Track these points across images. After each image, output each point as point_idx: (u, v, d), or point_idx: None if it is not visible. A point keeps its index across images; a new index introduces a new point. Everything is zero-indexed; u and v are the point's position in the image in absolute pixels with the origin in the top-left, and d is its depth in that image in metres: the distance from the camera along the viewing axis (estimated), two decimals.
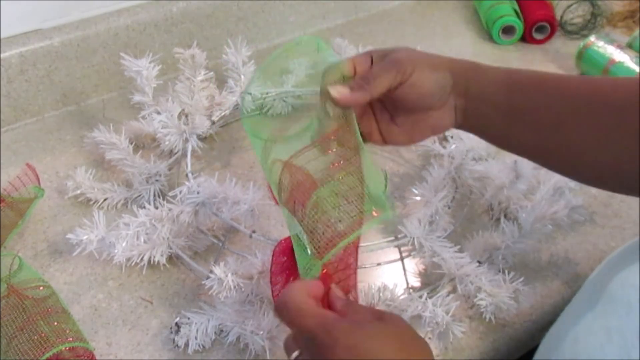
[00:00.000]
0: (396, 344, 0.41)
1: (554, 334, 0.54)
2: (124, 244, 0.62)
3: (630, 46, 0.94)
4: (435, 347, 0.61)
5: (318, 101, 0.56)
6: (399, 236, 0.65)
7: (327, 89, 0.49)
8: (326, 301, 0.47)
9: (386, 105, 0.55)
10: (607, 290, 0.47)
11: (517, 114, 0.50)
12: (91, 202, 0.74)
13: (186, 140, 0.75)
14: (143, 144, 0.82)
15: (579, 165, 0.49)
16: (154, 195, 0.73)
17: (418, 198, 0.69)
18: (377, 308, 0.52)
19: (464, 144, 0.74)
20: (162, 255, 0.65)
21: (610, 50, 0.91)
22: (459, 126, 0.54)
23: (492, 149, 0.81)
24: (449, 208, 0.68)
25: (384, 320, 0.43)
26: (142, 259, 0.65)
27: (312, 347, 0.42)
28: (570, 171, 0.52)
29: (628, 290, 0.44)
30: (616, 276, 0.47)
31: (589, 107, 0.48)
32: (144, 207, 0.65)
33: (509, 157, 0.75)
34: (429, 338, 0.61)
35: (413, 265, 0.68)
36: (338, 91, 0.49)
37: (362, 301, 0.61)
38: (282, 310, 0.43)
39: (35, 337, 0.54)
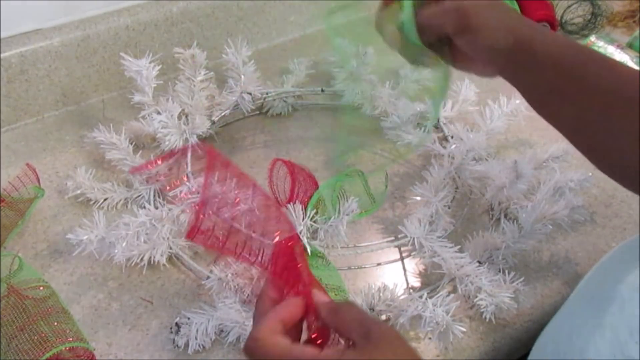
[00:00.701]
0: None
1: (549, 331, 0.54)
2: (124, 244, 0.62)
3: (630, 46, 0.94)
4: (435, 347, 0.61)
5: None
6: (399, 236, 0.65)
7: None
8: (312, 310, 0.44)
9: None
10: (601, 288, 0.47)
11: (567, 90, 0.49)
12: (91, 202, 0.74)
13: (186, 140, 0.75)
14: (143, 144, 0.82)
15: (616, 159, 0.48)
16: (154, 195, 0.73)
17: (418, 198, 0.69)
18: (369, 314, 0.46)
19: (464, 144, 0.74)
20: (162, 255, 0.65)
21: (611, 50, 0.91)
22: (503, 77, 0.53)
23: (492, 149, 0.81)
24: (449, 208, 0.68)
25: (371, 340, 0.39)
26: (142, 259, 0.64)
27: None
28: (604, 165, 0.50)
29: (622, 288, 0.45)
30: (611, 274, 0.47)
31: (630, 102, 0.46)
32: (144, 207, 0.65)
33: (509, 157, 0.75)
34: (429, 338, 0.61)
35: (413, 265, 0.68)
36: None
37: (362, 302, 0.61)
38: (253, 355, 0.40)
39: (35, 337, 0.54)
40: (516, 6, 1.04)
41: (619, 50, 0.90)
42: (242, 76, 0.81)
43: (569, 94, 0.49)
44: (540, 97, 0.52)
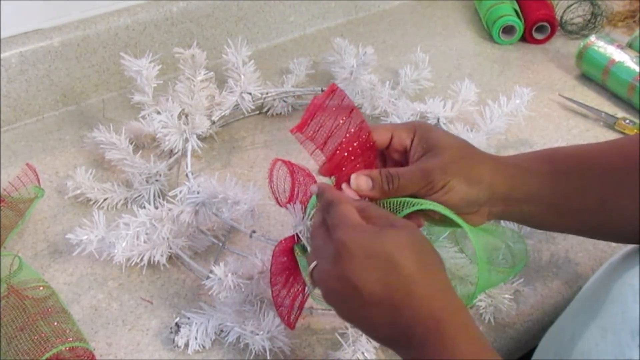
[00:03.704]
0: (413, 253, 0.42)
1: (552, 333, 0.54)
2: (124, 244, 0.62)
3: (630, 46, 0.93)
4: None
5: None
6: None
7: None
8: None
9: None
10: (604, 291, 0.47)
11: (561, 203, 0.49)
12: (91, 202, 0.74)
13: (186, 140, 0.75)
14: (143, 144, 0.82)
15: (621, 233, 0.50)
16: (154, 195, 0.73)
17: None
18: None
19: None
20: (162, 255, 0.65)
21: (611, 50, 0.91)
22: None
23: (493, 149, 0.81)
24: None
25: (398, 227, 0.43)
26: (142, 259, 0.64)
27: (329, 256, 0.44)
28: (612, 238, 0.53)
29: (625, 290, 0.45)
30: (615, 277, 0.47)
31: (629, 177, 0.47)
32: (144, 207, 0.65)
33: None
34: None
35: None
36: (357, 182, 0.49)
37: None
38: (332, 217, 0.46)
39: (35, 337, 0.54)
40: (516, 6, 1.04)
41: (618, 50, 0.90)
42: (242, 76, 0.81)
43: (567, 202, 0.49)
44: (536, 224, 0.54)
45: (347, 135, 0.50)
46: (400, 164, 0.52)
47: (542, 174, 0.50)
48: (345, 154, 0.50)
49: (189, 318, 0.61)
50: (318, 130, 0.50)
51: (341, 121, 0.50)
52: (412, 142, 0.51)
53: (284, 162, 0.55)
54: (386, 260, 0.41)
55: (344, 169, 0.51)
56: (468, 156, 0.50)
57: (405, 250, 0.41)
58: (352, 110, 0.50)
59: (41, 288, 0.60)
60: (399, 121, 0.78)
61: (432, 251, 0.43)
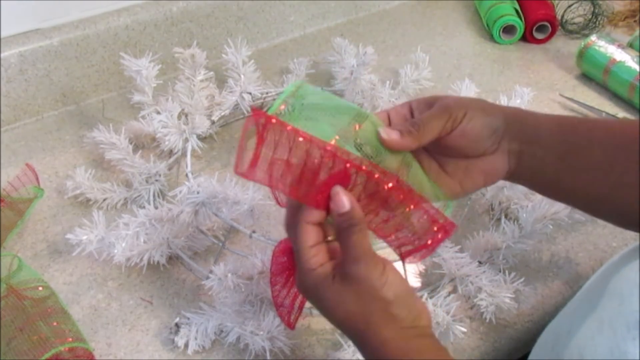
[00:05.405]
0: (349, 306, 0.45)
1: (550, 329, 0.54)
2: (123, 244, 0.62)
3: (631, 46, 0.93)
4: None
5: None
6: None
7: (377, 130, 0.49)
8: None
9: (433, 154, 0.52)
10: (603, 286, 0.47)
11: (570, 155, 0.50)
12: (91, 202, 0.74)
13: (186, 140, 0.75)
14: (143, 144, 0.82)
15: (629, 210, 0.49)
16: (154, 195, 0.73)
17: None
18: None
19: None
20: (161, 256, 0.65)
21: (611, 50, 0.91)
22: (511, 174, 0.52)
23: None
24: None
25: (347, 279, 0.45)
26: (141, 259, 0.64)
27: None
28: (620, 218, 0.52)
29: (622, 283, 0.45)
30: (614, 272, 0.47)
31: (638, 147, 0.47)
32: (144, 207, 0.65)
33: None
34: None
35: (413, 265, 0.68)
36: (387, 134, 0.48)
37: None
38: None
39: (35, 338, 0.54)
40: (517, 6, 1.04)
41: (619, 50, 0.90)
42: (242, 76, 0.81)
43: (576, 154, 0.50)
44: (547, 182, 0.53)
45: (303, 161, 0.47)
46: None
47: (551, 121, 0.51)
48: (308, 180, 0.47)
49: (188, 318, 0.60)
50: (267, 169, 0.47)
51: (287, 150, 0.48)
52: (411, 109, 0.52)
53: None
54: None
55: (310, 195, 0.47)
56: (471, 97, 0.52)
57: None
58: (296, 134, 0.48)
59: (41, 288, 0.60)
60: None
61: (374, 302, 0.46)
